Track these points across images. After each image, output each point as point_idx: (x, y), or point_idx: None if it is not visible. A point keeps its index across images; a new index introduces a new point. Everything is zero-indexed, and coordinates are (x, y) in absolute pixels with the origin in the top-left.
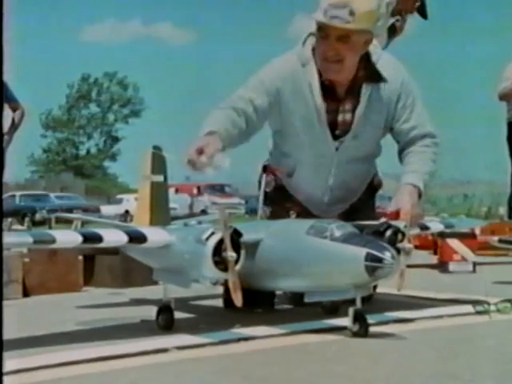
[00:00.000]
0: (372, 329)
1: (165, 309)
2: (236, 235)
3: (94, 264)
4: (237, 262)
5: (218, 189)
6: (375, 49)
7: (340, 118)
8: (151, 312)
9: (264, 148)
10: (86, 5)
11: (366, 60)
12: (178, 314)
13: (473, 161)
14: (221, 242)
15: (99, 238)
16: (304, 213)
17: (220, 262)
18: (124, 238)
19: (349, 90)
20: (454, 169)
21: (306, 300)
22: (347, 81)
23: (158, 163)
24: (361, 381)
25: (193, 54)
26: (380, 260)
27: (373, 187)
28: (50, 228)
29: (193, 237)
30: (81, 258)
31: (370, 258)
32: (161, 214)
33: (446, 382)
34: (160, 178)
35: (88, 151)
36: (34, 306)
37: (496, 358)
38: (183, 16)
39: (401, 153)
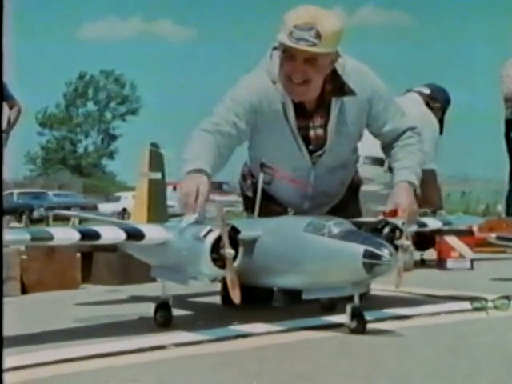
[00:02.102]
0: (370, 326)
1: (163, 306)
2: (234, 232)
3: (91, 261)
4: (235, 258)
5: (216, 186)
6: (340, 60)
7: (312, 133)
8: (149, 309)
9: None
10: (85, 2)
11: (332, 74)
12: (175, 311)
13: (470, 158)
14: (219, 239)
15: (97, 236)
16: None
17: (218, 259)
18: (122, 235)
19: (318, 106)
20: (452, 166)
21: (304, 297)
22: (314, 97)
23: (156, 160)
24: (359, 377)
25: (192, 52)
26: (378, 257)
27: (354, 186)
28: (48, 225)
29: (191, 234)
30: (79, 255)
31: (368, 254)
32: (158, 211)
33: (444, 379)
34: (158, 176)
35: (85, 149)
36: (31, 304)
37: (494, 355)
38: (183, 14)
39: (385, 148)
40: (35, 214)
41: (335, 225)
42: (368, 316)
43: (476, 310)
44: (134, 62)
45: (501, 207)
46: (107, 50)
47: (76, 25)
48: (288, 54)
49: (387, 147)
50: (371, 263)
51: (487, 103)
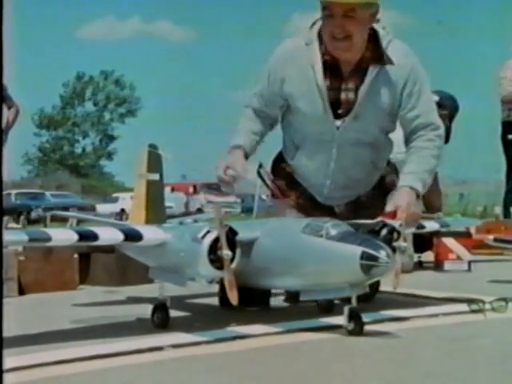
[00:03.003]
0: (367, 327)
1: (160, 307)
2: (232, 234)
3: (89, 262)
4: (232, 260)
5: (214, 187)
6: (386, 34)
7: (343, 96)
8: (147, 310)
9: (261, 148)
10: (84, 2)
11: (374, 41)
12: (173, 313)
13: (469, 160)
14: (216, 240)
15: (95, 237)
16: (309, 202)
17: (215, 261)
18: (120, 236)
19: (354, 70)
20: (450, 168)
21: (302, 298)
22: (354, 60)
23: (154, 161)
24: (356, 379)
25: (191, 53)
26: (375, 258)
27: (384, 186)
28: (46, 226)
29: (189, 235)
30: (76, 256)
31: (365, 256)
32: (156, 212)
33: (442, 381)
34: (156, 177)
35: (84, 150)
36: (29, 304)
37: (491, 357)
38: (183, 14)
39: (406, 144)
40: (33, 215)
41: (333, 226)
42: (366, 318)
43: (473, 311)
44: (133, 63)
45: (498, 209)
46: (106, 51)
47: (75, 25)
48: (328, 12)
49: (408, 142)
50: (368, 265)
51: (487, 105)
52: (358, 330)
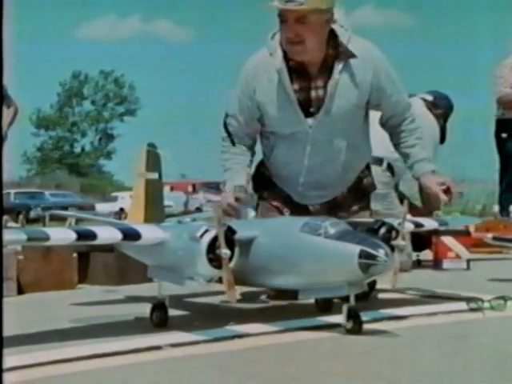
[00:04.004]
0: (366, 326)
1: (159, 306)
2: (230, 232)
3: (88, 261)
4: (231, 259)
5: (213, 186)
6: (345, 32)
7: (313, 94)
8: (146, 309)
9: (260, 148)
10: (83, 1)
11: (334, 39)
12: (172, 312)
13: (468, 159)
14: (215, 239)
15: (93, 236)
16: (286, 204)
17: (214, 260)
18: (118, 236)
19: (320, 68)
20: (449, 167)
21: (301, 297)
22: (317, 60)
23: (153, 161)
24: (355, 378)
25: (191, 53)
26: (373, 257)
27: (361, 187)
28: (44, 225)
29: (187, 234)
30: (75, 255)
31: (363, 255)
32: (155, 211)
33: (441, 379)
34: (155, 176)
35: (83, 149)
36: (28, 304)
37: (490, 356)
38: (182, 14)
39: (390, 129)
40: (32, 214)
41: (331, 225)
42: (364, 316)
43: (472, 310)
44: (133, 62)
45: (497, 208)
46: (106, 50)
47: (74, 24)
48: (282, 18)
49: (393, 127)
50: (367, 263)
51: (485, 104)
52: (356, 328)
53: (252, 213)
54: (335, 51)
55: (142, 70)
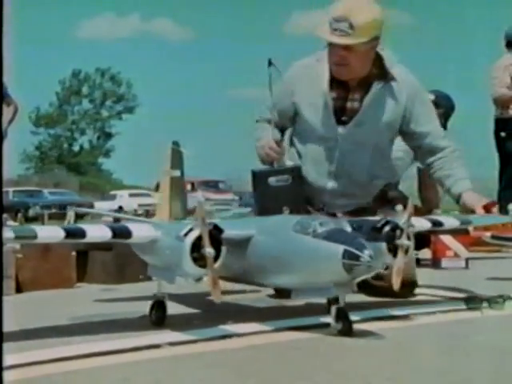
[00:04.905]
0: (364, 325)
1: (158, 304)
2: (217, 231)
3: (87, 260)
4: (217, 258)
5: (212, 185)
6: (390, 58)
7: (348, 105)
8: (144, 308)
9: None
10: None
11: (378, 62)
12: (170, 310)
13: (467, 157)
14: (200, 237)
15: (82, 233)
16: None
17: (199, 259)
18: (108, 234)
19: (360, 83)
20: None
21: (293, 298)
22: (359, 77)
23: (176, 158)
24: (353, 377)
25: (190, 51)
26: (357, 257)
27: (386, 199)
28: (43, 224)
29: (174, 233)
30: (74, 253)
31: (347, 255)
32: (178, 207)
33: (440, 378)
34: (177, 173)
35: (81, 147)
36: (26, 302)
37: (488, 354)
38: (182, 13)
39: (424, 156)
40: (31, 213)
41: (321, 224)
42: (363, 315)
43: (471, 309)
44: (132, 61)
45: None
46: (105, 49)
47: (74, 23)
48: (329, 42)
49: (428, 152)
50: (350, 264)
51: (485, 102)
52: (346, 329)
53: (291, 163)
54: (377, 71)
55: (142, 69)
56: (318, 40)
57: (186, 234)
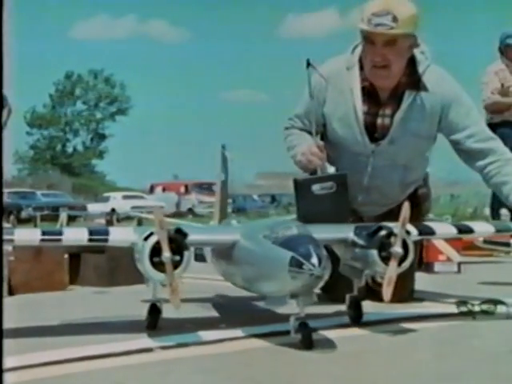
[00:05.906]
0: (356, 330)
1: (152, 308)
2: (181, 236)
3: (79, 263)
4: (179, 263)
5: (206, 187)
6: (424, 60)
7: (379, 121)
8: (136, 311)
9: (252, 149)
10: (78, 1)
11: (411, 67)
12: (163, 314)
13: (460, 161)
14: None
15: (59, 235)
16: None
17: (160, 263)
18: (84, 237)
19: (391, 96)
20: (441, 169)
21: (265, 306)
22: (391, 86)
23: (223, 162)
24: (346, 380)
25: (185, 53)
26: (301, 265)
27: (416, 198)
28: (36, 226)
29: (140, 236)
30: (66, 256)
31: (293, 263)
32: (225, 210)
33: (430, 383)
34: (223, 177)
35: (75, 149)
36: (18, 305)
37: (480, 359)
38: (177, 14)
39: (471, 155)
40: (23, 214)
41: (286, 229)
42: (356, 320)
43: (462, 313)
44: (127, 63)
45: (488, 211)
46: (100, 50)
47: (69, 24)
48: (369, 40)
49: (476, 155)
50: (295, 272)
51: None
52: (305, 341)
53: (332, 168)
54: (409, 79)
55: (137, 70)
56: (312, 43)
57: (145, 239)
